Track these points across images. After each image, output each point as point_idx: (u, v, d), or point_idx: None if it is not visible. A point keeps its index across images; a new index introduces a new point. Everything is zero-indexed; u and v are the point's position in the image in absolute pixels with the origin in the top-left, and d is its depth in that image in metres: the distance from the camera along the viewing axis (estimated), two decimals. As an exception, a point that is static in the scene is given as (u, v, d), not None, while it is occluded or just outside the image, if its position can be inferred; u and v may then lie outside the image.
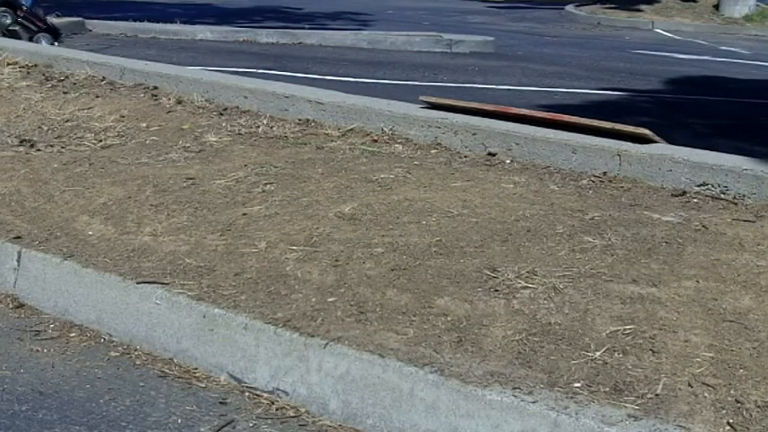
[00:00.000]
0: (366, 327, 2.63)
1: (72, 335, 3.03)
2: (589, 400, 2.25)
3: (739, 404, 2.22)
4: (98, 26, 10.38)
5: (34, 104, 5.40)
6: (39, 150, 4.49)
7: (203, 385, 2.70)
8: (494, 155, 4.42)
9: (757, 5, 17.30)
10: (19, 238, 3.41)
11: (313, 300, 2.80)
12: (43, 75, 6.17)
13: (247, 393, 2.64)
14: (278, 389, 2.62)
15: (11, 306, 3.22)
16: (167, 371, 2.79)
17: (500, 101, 5.98)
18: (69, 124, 5.00)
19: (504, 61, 9.83)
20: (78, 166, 4.17)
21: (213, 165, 4.16)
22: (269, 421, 2.51)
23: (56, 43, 8.47)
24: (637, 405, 2.22)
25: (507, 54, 10.58)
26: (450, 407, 2.33)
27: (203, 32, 10.46)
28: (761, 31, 16.19)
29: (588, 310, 2.67)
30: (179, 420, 2.50)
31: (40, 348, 2.93)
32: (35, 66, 6.45)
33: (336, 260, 3.05)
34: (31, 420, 2.48)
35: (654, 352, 2.45)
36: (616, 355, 2.45)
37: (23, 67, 6.41)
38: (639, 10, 17.75)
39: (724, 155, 4.10)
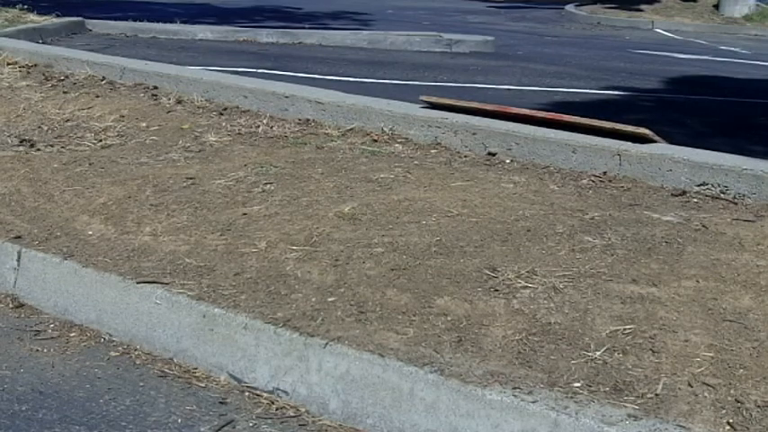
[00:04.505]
0: (366, 326, 2.63)
1: (72, 335, 3.03)
2: (589, 399, 2.25)
3: (739, 404, 2.22)
4: (98, 26, 10.36)
5: (34, 104, 5.40)
6: (39, 150, 4.49)
7: (203, 385, 2.70)
8: (494, 155, 4.43)
9: (757, 5, 17.30)
10: (19, 237, 3.41)
11: (313, 300, 2.80)
12: (43, 75, 6.17)
13: (247, 393, 2.64)
14: (278, 389, 2.62)
15: (11, 306, 3.22)
16: (167, 371, 2.79)
17: (500, 101, 5.98)
18: (69, 124, 5.00)
19: (504, 61, 9.82)
20: (78, 165, 4.17)
21: (213, 164, 4.16)
22: (269, 421, 2.51)
23: None
24: (637, 405, 2.22)
25: (507, 54, 10.57)
26: (450, 407, 2.34)
27: (203, 32, 10.45)
28: (761, 31, 16.19)
29: (588, 309, 2.67)
30: (179, 420, 2.50)
31: (40, 348, 2.93)
32: (35, 66, 6.45)
33: (336, 260, 3.05)
34: (31, 420, 2.48)
35: (654, 352, 2.45)
36: (616, 354, 2.45)
37: (23, 66, 6.41)
38: (639, 10, 17.75)
39: (724, 155, 4.11)
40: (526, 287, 2.80)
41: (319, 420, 2.51)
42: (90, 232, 3.44)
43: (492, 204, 3.55)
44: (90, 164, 4.19)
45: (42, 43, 8.17)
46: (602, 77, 8.97)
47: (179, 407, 2.57)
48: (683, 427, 2.15)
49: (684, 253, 3.07)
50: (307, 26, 12.10)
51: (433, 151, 4.50)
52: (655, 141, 4.26)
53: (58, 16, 9.76)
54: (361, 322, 2.66)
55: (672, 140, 4.45)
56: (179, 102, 5.41)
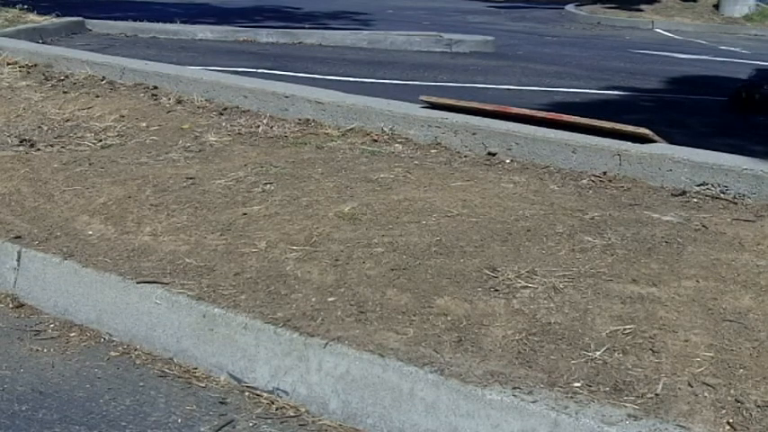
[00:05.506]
0: (366, 326, 2.63)
1: (72, 335, 3.03)
2: (589, 399, 2.25)
3: (739, 404, 2.22)
4: (98, 26, 10.35)
5: (34, 104, 5.40)
6: (39, 150, 4.49)
7: (203, 385, 2.70)
8: (494, 155, 4.43)
9: (757, 5, 17.29)
10: (19, 237, 3.41)
11: (313, 299, 2.80)
12: (43, 74, 6.17)
13: (247, 393, 2.65)
14: (278, 388, 2.62)
15: (11, 306, 3.22)
16: (167, 371, 2.79)
17: (500, 101, 5.97)
18: (69, 124, 5.01)
19: (504, 61, 9.82)
20: (78, 165, 4.17)
21: (213, 164, 4.16)
22: (269, 421, 2.51)
23: None
24: (637, 405, 2.22)
25: (507, 54, 10.57)
26: (450, 406, 2.34)
27: (203, 32, 10.44)
28: (761, 31, 16.18)
29: (588, 309, 2.67)
30: (179, 420, 2.50)
31: (40, 348, 2.93)
32: (35, 65, 6.45)
33: (336, 260, 3.05)
34: (31, 420, 2.48)
35: (654, 352, 2.45)
36: (616, 354, 2.45)
37: (23, 66, 6.41)
38: (639, 10, 17.74)
39: (724, 154, 4.11)
40: (526, 287, 2.80)
41: (319, 420, 2.51)
42: (90, 232, 3.44)
43: (492, 204, 3.55)
44: (90, 164, 4.19)
45: (42, 43, 8.16)
46: (602, 77, 8.97)
47: (179, 407, 2.57)
48: (683, 427, 2.15)
49: (684, 253, 3.07)
50: (307, 26, 12.09)
51: (433, 151, 4.50)
52: (655, 141, 4.26)
53: (58, 16, 9.76)
54: (361, 322, 2.66)
55: (672, 140, 4.45)
56: (179, 102, 5.41)
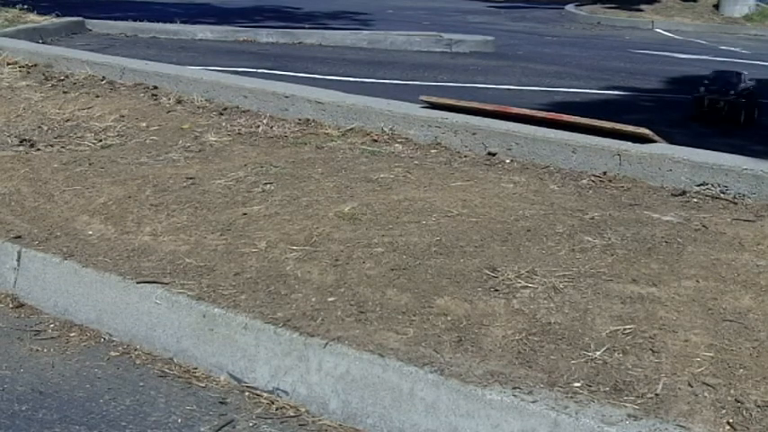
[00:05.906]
0: (366, 326, 2.63)
1: (72, 335, 3.03)
2: (589, 399, 2.25)
3: (739, 404, 2.22)
4: (98, 26, 10.35)
5: (34, 104, 5.40)
6: (39, 150, 4.49)
7: (203, 385, 2.70)
8: (494, 155, 4.43)
9: (757, 5, 17.29)
10: (19, 237, 3.40)
11: (313, 299, 2.80)
12: (43, 74, 6.17)
13: (247, 393, 2.64)
14: (278, 388, 2.62)
15: (11, 306, 3.22)
16: (167, 370, 2.79)
17: (500, 101, 5.97)
18: (69, 124, 5.00)
19: (504, 61, 9.82)
20: (78, 165, 4.17)
21: (213, 164, 4.16)
22: (269, 421, 2.51)
23: None
24: (637, 405, 2.22)
25: (507, 54, 10.57)
26: (450, 406, 2.34)
27: (203, 32, 10.44)
28: (761, 31, 16.18)
29: (588, 309, 2.67)
30: (179, 420, 2.50)
31: (40, 348, 2.93)
32: (35, 65, 6.45)
33: (336, 260, 3.05)
34: (31, 420, 2.48)
35: (654, 352, 2.45)
36: (616, 354, 2.45)
37: (23, 66, 6.41)
38: (639, 10, 17.74)
39: (724, 154, 4.11)
40: (526, 287, 2.80)
41: (319, 420, 2.51)
42: (90, 232, 3.44)
43: (492, 204, 3.55)
44: (90, 164, 4.19)
45: (42, 43, 8.16)
46: (602, 77, 8.97)
47: (179, 407, 2.57)
48: (683, 427, 2.15)
49: (684, 253, 3.07)
50: (307, 26, 12.09)
51: (433, 151, 4.50)
52: (655, 141, 4.26)
53: (58, 16, 9.76)
54: (361, 322, 2.66)
55: (672, 140, 4.45)
56: (179, 102, 5.41)
